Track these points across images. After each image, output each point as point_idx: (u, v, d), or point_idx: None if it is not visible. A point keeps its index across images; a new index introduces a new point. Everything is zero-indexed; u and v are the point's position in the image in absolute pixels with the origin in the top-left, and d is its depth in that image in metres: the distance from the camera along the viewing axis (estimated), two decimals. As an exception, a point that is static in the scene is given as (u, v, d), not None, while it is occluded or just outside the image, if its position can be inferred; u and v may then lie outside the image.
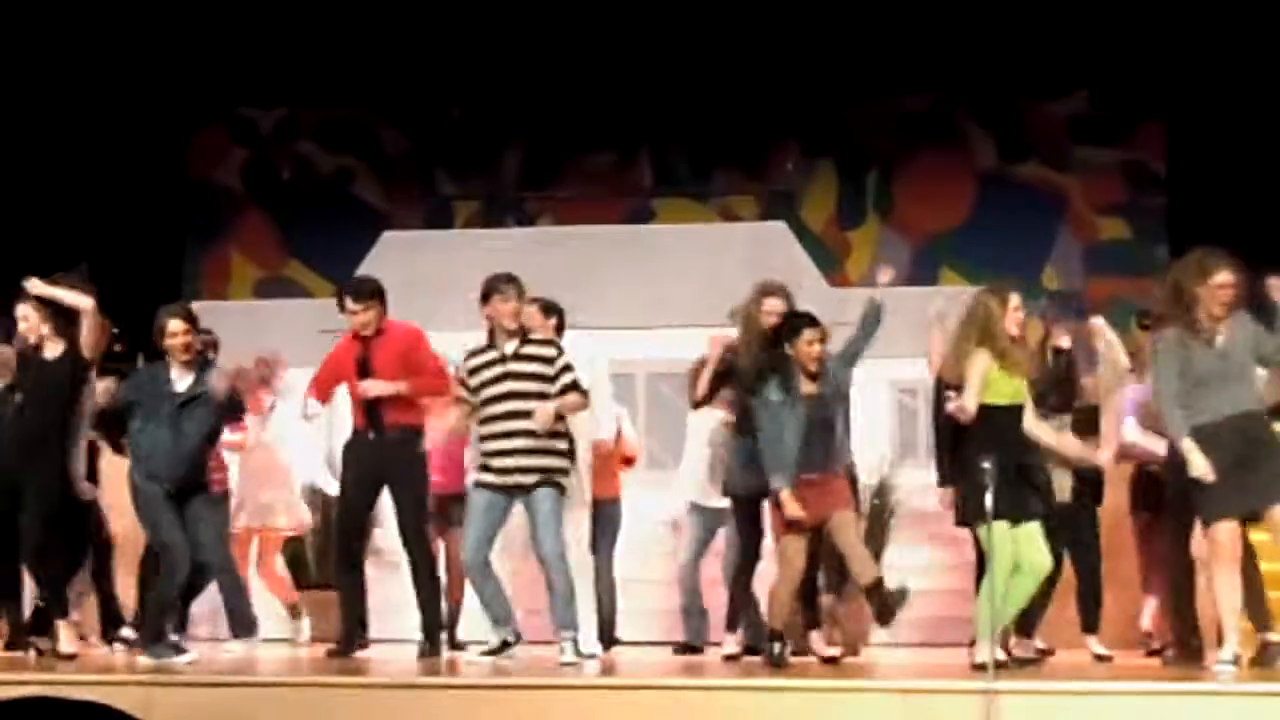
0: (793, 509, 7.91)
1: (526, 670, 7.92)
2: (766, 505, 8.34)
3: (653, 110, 15.78)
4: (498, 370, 8.22)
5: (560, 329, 9.02)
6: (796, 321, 8.25)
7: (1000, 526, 7.44)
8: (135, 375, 8.76)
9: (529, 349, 8.26)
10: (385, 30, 14.91)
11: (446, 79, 15.56)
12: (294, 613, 10.17)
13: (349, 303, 8.60)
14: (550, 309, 9.09)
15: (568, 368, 8.26)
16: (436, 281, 10.99)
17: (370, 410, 8.64)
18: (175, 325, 8.38)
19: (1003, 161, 15.92)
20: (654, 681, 7.43)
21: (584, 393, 8.32)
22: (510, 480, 8.15)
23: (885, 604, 7.88)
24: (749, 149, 15.94)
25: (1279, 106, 13.64)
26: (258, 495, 10.00)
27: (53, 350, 8.45)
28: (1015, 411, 7.74)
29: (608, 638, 9.25)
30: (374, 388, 8.54)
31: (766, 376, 8.19)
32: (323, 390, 8.89)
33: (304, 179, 16.59)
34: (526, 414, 8.11)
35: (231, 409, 8.59)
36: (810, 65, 15.22)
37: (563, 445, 8.29)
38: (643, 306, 11.35)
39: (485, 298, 8.29)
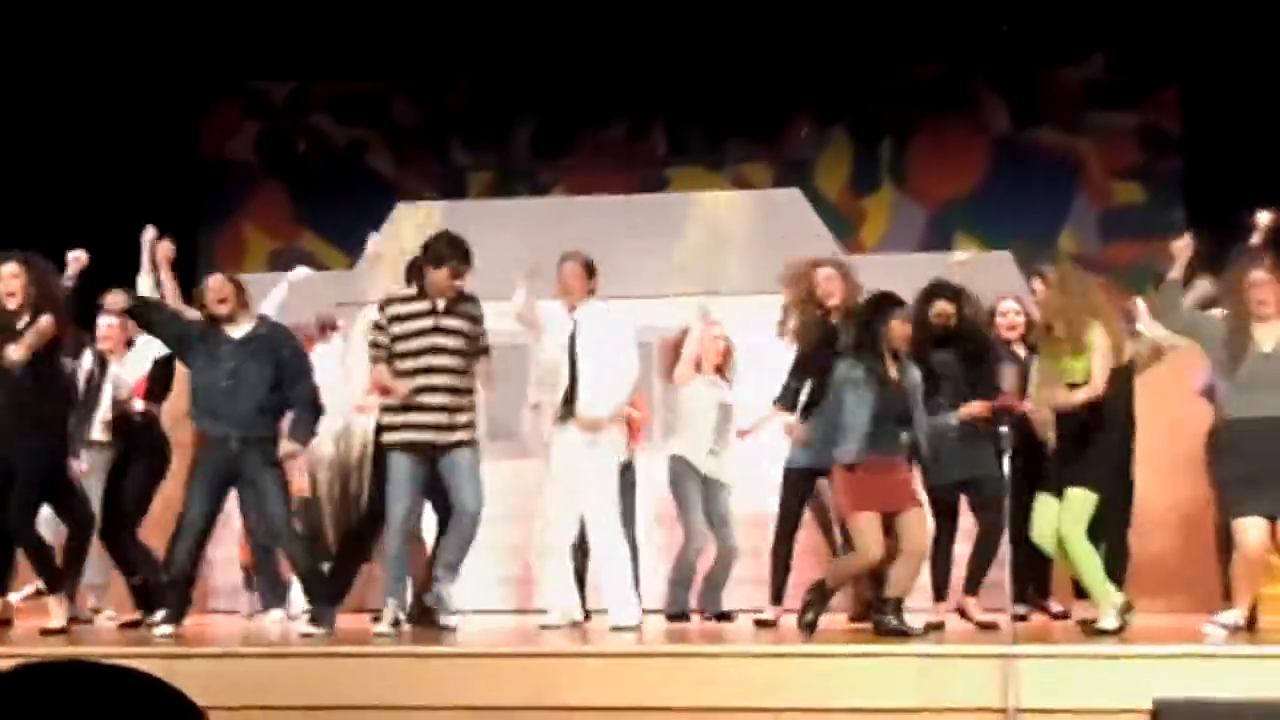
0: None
1: (543, 639, 7.94)
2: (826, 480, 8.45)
3: (666, 80, 15.74)
4: (427, 323, 8.11)
5: (592, 291, 8.90)
6: (888, 300, 8.20)
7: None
8: (195, 322, 8.62)
9: (461, 306, 8.19)
10: (396, 1, 14.88)
11: (459, 50, 15.52)
12: None
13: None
14: (591, 268, 8.95)
15: (484, 330, 8.28)
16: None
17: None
18: (219, 287, 8.38)
19: (1017, 127, 15.85)
20: (667, 649, 7.45)
21: (489, 354, 8.34)
22: (431, 438, 8.07)
23: (885, 623, 7.86)
24: (763, 118, 15.89)
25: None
26: None
27: (22, 320, 8.32)
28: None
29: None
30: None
31: (851, 354, 8.17)
32: None
33: (317, 151, 16.58)
34: (449, 370, 8.07)
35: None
36: (824, 33, 15.15)
37: (474, 402, 8.28)
38: (657, 275, 11.33)
39: (436, 263, 8.15)
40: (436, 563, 8.34)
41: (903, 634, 7.73)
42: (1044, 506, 7.88)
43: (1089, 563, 7.83)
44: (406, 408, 8.06)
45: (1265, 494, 7.48)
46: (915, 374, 8.09)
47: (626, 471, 9.34)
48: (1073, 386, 7.90)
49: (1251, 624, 7.77)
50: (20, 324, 8.24)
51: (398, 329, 8.13)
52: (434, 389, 8.06)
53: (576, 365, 8.61)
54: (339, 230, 15.36)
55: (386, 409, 8.20)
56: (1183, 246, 8.11)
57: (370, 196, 14.75)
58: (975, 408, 8.25)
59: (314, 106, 16.65)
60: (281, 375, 8.26)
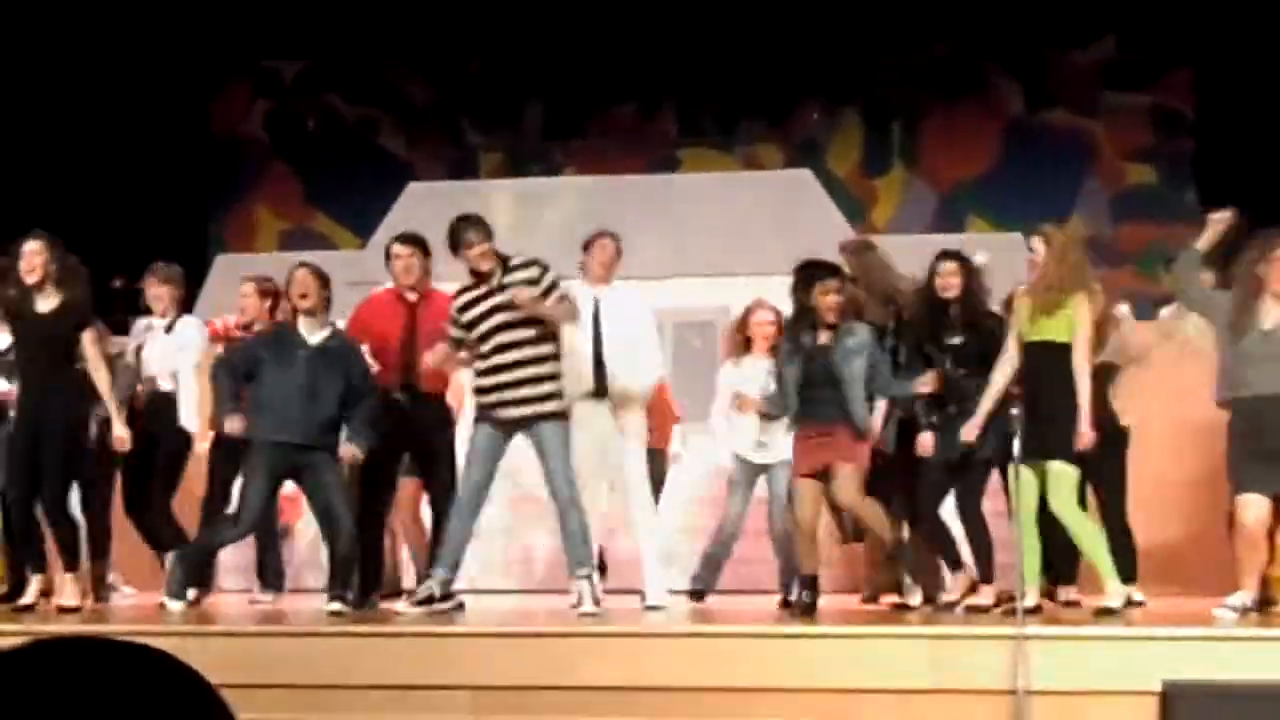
0: None
1: (555, 619, 7.94)
2: None
3: (677, 61, 15.72)
4: (486, 305, 8.09)
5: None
6: (815, 270, 8.22)
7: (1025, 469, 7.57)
8: (259, 337, 8.70)
9: (512, 276, 8.13)
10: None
11: (471, 30, 15.51)
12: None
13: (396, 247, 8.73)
14: (621, 251, 9.02)
15: (556, 284, 8.18)
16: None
17: (409, 376, 8.61)
18: (303, 280, 8.38)
19: (1029, 109, 15.83)
20: (681, 629, 7.46)
21: (574, 306, 8.26)
22: (511, 413, 8.04)
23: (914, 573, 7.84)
24: (774, 99, 15.88)
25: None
26: None
27: (47, 303, 8.36)
28: (1047, 348, 7.83)
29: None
30: (437, 358, 8.42)
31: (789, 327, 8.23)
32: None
33: (328, 130, 16.58)
34: (521, 344, 8.04)
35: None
36: (835, 15, 15.14)
37: (559, 375, 8.18)
38: (669, 256, 11.32)
39: (454, 249, 8.19)
40: (569, 561, 8.29)
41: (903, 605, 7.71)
42: (1026, 479, 7.83)
43: (1092, 539, 7.82)
44: (485, 388, 8.09)
45: (1265, 471, 7.49)
46: (852, 340, 7.98)
47: (655, 460, 9.31)
48: (1044, 345, 7.88)
49: (1264, 605, 7.76)
50: (39, 301, 8.33)
51: (466, 318, 8.16)
52: (507, 366, 8.05)
53: (601, 345, 8.62)
54: (350, 210, 15.38)
55: (476, 389, 8.21)
56: (1220, 219, 8.03)
57: (382, 176, 14.75)
58: (927, 381, 8.15)
59: (324, 86, 16.64)
60: (348, 393, 8.27)
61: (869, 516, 8.02)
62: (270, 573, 9.48)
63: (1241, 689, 6.39)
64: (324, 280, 8.45)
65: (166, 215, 14.46)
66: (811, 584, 7.96)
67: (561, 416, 8.13)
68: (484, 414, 8.13)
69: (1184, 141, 15.49)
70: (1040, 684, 6.48)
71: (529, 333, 8.08)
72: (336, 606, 8.01)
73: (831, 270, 8.15)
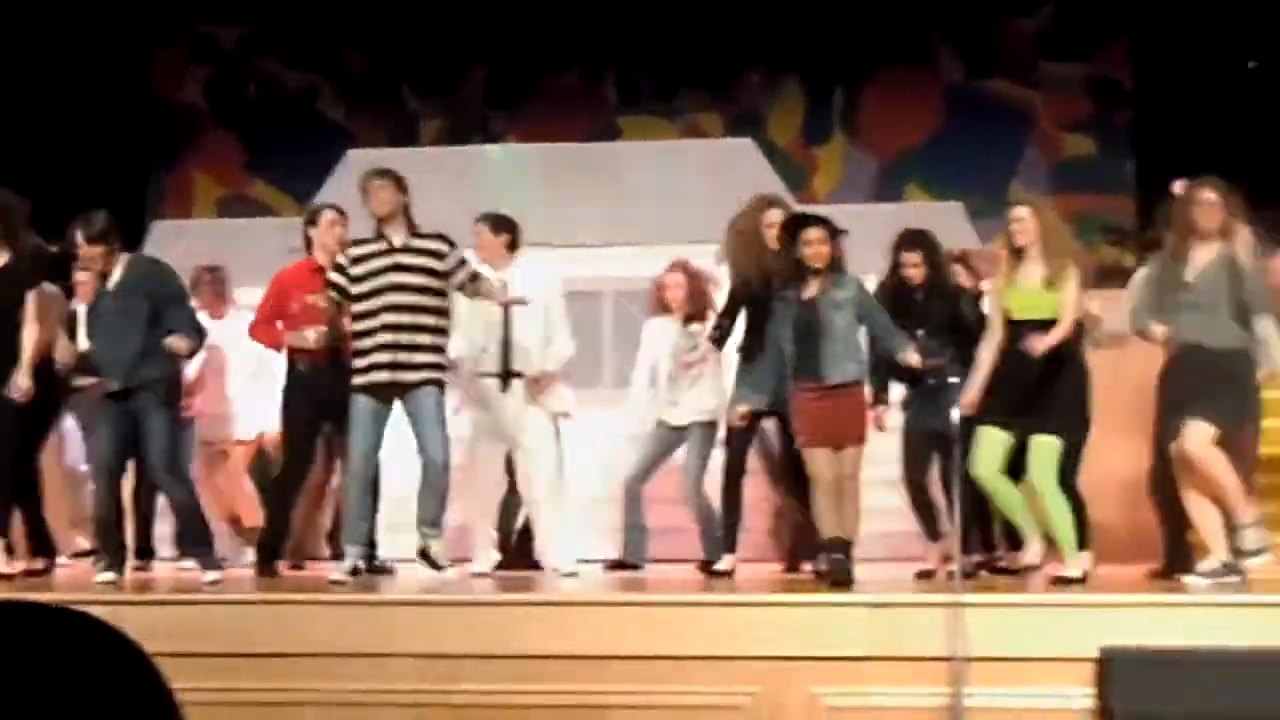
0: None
1: (497, 586, 7.94)
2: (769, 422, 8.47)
3: (618, 29, 15.66)
4: (385, 261, 8.01)
5: (513, 246, 8.93)
6: (801, 221, 8.10)
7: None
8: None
9: (420, 243, 8.08)
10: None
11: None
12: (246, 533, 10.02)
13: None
14: (500, 224, 8.95)
15: (464, 261, 8.16)
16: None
17: (336, 347, 8.52)
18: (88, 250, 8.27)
19: (970, 78, 15.86)
20: (620, 598, 7.46)
21: (491, 285, 8.29)
22: (395, 377, 7.95)
23: (837, 568, 7.68)
24: (715, 67, 15.84)
25: (1242, 21, 13.62)
26: (214, 408, 9.94)
27: None
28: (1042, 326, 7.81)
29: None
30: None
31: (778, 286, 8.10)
32: (272, 324, 8.78)
33: (267, 96, 16.44)
34: (415, 309, 7.97)
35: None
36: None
37: (445, 343, 8.19)
38: (610, 224, 11.29)
39: (363, 194, 8.15)
40: (417, 520, 8.27)
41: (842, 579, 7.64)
42: (989, 440, 7.87)
43: (1062, 512, 7.81)
44: (369, 349, 7.96)
45: (1201, 408, 7.40)
46: (840, 294, 7.82)
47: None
48: (1034, 323, 7.85)
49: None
50: None
51: (357, 270, 8.04)
52: (396, 327, 7.95)
53: (510, 328, 8.61)
54: (289, 177, 15.26)
55: (355, 351, 8.08)
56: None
57: (321, 143, 14.65)
58: (913, 351, 8.11)
59: (263, 51, 16.49)
60: (159, 310, 8.22)
61: (851, 504, 7.87)
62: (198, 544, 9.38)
63: (1179, 654, 6.43)
64: (111, 249, 8.27)
65: (103, 181, 14.32)
66: (844, 548, 7.77)
67: (441, 385, 8.11)
68: (366, 379, 7.98)
69: (1123, 112, 15.55)
70: (978, 651, 6.51)
71: (424, 300, 8.03)
72: (211, 576, 8.09)
73: (817, 221, 8.06)
